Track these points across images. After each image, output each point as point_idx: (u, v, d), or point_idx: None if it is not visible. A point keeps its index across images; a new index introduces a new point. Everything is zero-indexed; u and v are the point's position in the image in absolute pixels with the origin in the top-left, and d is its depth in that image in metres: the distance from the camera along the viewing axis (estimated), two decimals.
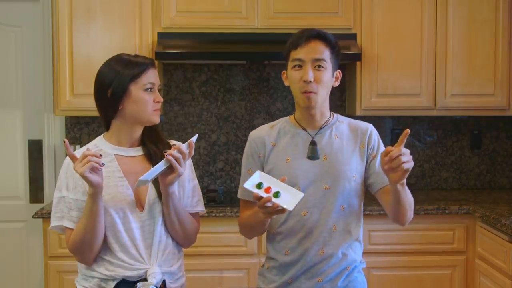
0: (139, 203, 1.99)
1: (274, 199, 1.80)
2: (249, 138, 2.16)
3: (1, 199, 3.84)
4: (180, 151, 1.88)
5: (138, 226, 1.98)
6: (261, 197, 1.80)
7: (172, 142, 2.08)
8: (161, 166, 1.87)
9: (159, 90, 2.03)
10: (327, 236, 2.02)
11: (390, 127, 3.88)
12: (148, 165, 2.00)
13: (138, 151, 2.05)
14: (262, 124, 2.28)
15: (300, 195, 1.85)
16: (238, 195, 2.15)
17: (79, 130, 3.83)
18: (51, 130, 3.82)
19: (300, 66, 2.00)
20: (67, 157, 1.95)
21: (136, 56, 2.05)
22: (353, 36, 3.54)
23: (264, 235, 2.17)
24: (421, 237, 3.36)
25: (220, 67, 3.88)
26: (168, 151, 1.88)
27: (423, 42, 3.58)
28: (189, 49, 3.53)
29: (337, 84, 2.08)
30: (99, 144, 2.05)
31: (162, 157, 1.91)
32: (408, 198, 1.95)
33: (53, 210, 2.01)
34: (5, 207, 3.84)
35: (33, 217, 3.28)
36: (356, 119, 2.21)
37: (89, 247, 1.94)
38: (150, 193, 2.00)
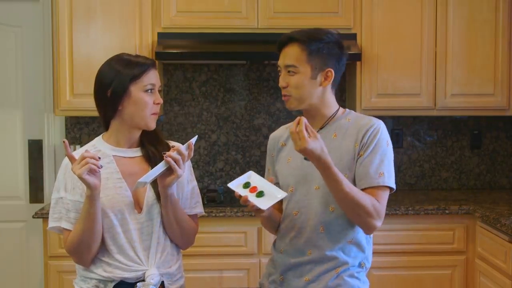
0: (137, 205, 1.99)
1: (251, 198, 1.89)
2: (268, 139, 2.25)
3: (1, 199, 3.84)
4: (179, 152, 1.88)
5: (136, 227, 1.97)
6: (241, 196, 1.89)
7: (172, 143, 2.07)
8: (160, 167, 1.87)
9: (159, 91, 2.02)
10: (314, 236, 2.02)
11: (390, 127, 3.89)
12: (146, 166, 2.00)
13: (136, 152, 2.04)
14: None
15: (280, 196, 1.91)
16: None
17: (79, 130, 3.83)
18: (51, 130, 3.82)
19: (279, 71, 2.06)
20: (66, 157, 1.94)
21: (137, 56, 2.04)
22: (353, 36, 3.54)
23: (266, 234, 2.19)
24: (421, 237, 3.36)
25: (220, 67, 3.88)
26: (167, 153, 1.87)
27: (423, 42, 3.58)
28: (189, 49, 3.53)
29: (327, 83, 2.03)
30: (98, 144, 2.04)
31: (161, 158, 1.90)
32: (342, 195, 1.88)
33: (51, 211, 2.01)
34: (5, 207, 3.84)
35: (33, 217, 3.28)
36: None
37: (87, 248, 1.93)
38: (149, 194, 1.99)
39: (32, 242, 3.81)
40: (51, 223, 2.01)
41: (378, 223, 1.96)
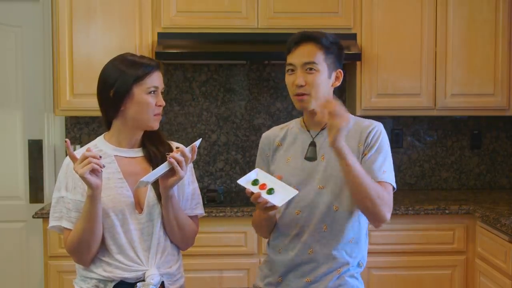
0: (138, 205, 1.99)
1: (264, 195, 1.86)
2: (261, 139, 2.21)
3: (1, 199, 3.84)
4: (183, 154, 1.88)
5: (137, 228, 1.97)
6: (252, 193, 1.86)
7: (175, 144, 2.08)
8: (162, 168, 1.87)
9: (161, 93, 2.01)
10: (317, 236, 2.02)
11: (390, 127, 3.89)
12: (148, 167, 2.00)
13: (138, 152, 2.04)
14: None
15: (293, 193, 1.89)
16: None
17: (79, 130, 3.83)
18: (51, 130, 3.82)
19: (292, 70, 2.02)
20: (67, 157, 1.94)
21: (141, 57, 2.03)
22: (353, 36, 3.54)
23: None
24: (421, 237, 3.36)
25: (220, 67, 3.88)
26: (171, 154, 1.87)
27: (423, 42, 3.58)
28: (189, 49, 3.53)
29: (337, 84, 2.07)
30: (99, 144, 2.03)
31: (162, 158, 1.90)
32: (358, 180, 1.88)
33: (52, 210, 2.01)
34: (5, 207, 3.84)
35: (33, 217, 3.28)
36: None
37: (87, 248, 1.93)
38: (150, 195, 1.99)
39: (32, 242, 3.81)
40: (52, 222, 2.01)
41: (388, 214, 1.97)
